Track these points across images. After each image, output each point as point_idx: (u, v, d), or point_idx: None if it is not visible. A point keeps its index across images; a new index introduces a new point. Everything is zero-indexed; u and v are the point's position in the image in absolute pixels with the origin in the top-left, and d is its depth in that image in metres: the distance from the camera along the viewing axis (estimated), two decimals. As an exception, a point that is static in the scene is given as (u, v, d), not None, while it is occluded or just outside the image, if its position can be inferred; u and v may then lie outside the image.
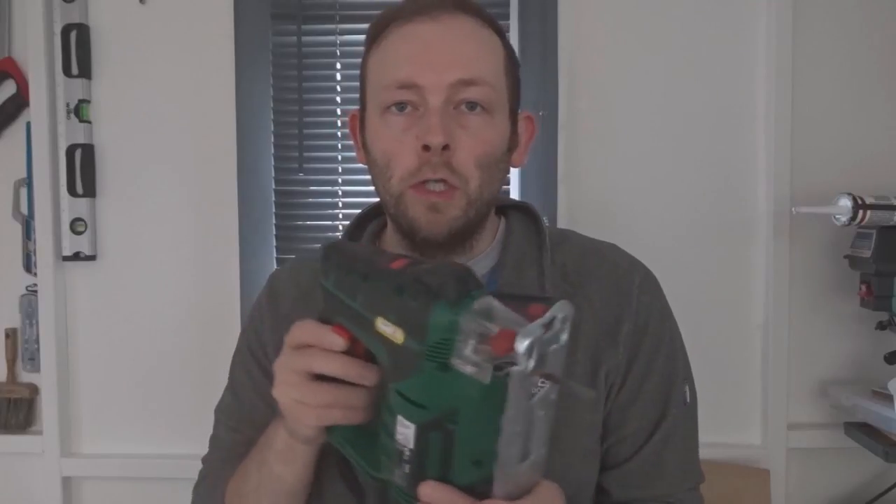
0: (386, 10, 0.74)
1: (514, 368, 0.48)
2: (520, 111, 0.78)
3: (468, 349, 0.50)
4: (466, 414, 0.52)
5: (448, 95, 0.69)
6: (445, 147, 0.68)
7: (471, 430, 0.52)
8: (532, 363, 0.48)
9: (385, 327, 0.53)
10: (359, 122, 0.79)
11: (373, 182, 0.76)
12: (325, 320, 0.61)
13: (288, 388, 0.61)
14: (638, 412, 0.76)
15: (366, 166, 0.77)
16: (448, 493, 0.53)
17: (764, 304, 1.43)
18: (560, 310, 0.51)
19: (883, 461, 1.25)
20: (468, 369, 0.50)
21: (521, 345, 0.47)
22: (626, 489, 0.77)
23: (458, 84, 0.69)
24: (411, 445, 0.54)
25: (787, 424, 1.42)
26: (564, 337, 0.52)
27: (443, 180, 0.70)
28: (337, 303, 0.59)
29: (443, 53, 0.70)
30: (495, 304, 0.51)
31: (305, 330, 0.61)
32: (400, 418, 0.55)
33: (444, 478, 0.54)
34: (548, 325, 0.50)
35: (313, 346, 0.60)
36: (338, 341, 0.59)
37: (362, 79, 0.77)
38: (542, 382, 0.52)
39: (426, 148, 0.68)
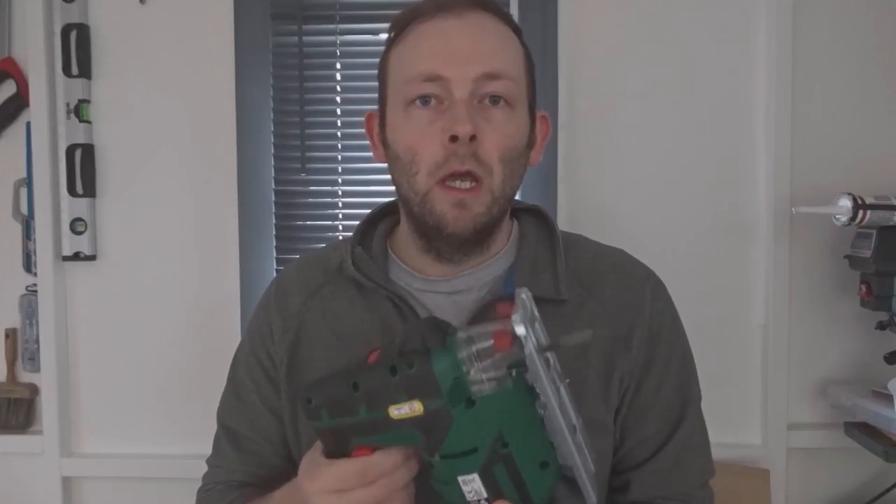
0: (406, 8, 0.75)
1: (527, 349, 0.51)
2: (537, 111, 0.79)
3: (478, 373, 0.52)
4: (510, 427, 0.54)
5: (473, 88, 0.70)
6: (472, 138, 0.69)
7: (521, 438, 0.54)
8: (534, 338, 0.52)
9: (400, 411, 0.54)
10: (377, 121, 0.79)
11: (394, 180, 0.76)
12: (335, 454, 0.59)
13: None
14: (656, 415, 0.77)
15: (383, 164, 0.78)
16: None
17: (764, 304, 1.43)
18: (523, 293, 0.55)
19: (883, 461, 1.25)
20: (488, 388, 0.52)
21: (520, 327, 0.51)
22: (645, 489, 0.78)
23: (483, 77, 0.70)
24: (485, 493, 0.55)
25: (787, 424, 1.42)
26: (536, 313, 0.56)
27: (469, 172, 0.70)
28: (340, 432, 0.58)
29: (467, 47, 0.71)
30: (472, 328, 0.54)
31: (340, 475, 0.58)
32: (460, 480, 0.55)
33: (526, 499, 0.55)
34: (524, 307, 0.54)
35: (353, 487, 0.57)
36: (385, 462, 0.57)
37: (382, 76, 0.78)
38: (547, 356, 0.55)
39: (453, 139, 0.69)
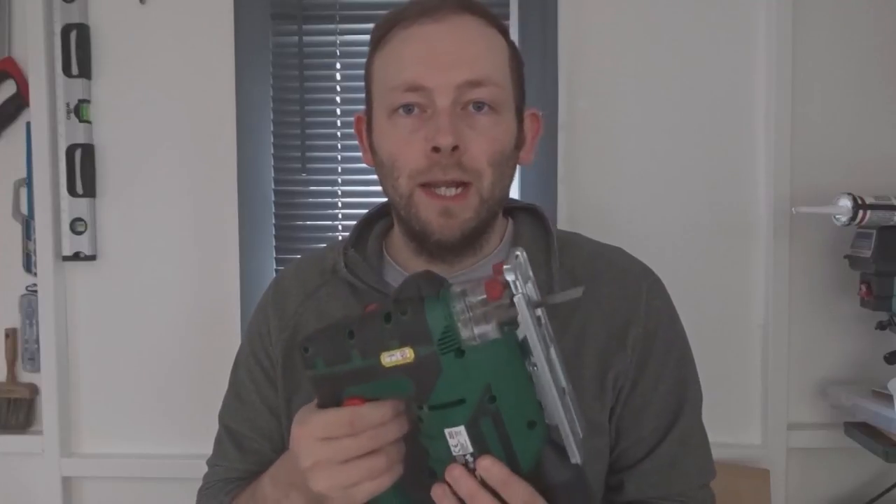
0: (389, 12, 0.74)
1: (517, 298, 0.52)
2: (525, 109, 0.78)
3: (470, 324, 0.53)
4: (499, 382, 0.54)
5: (456, 96, 0.70)
6: (455, 148, 0.69)
7: (509, 394, 0.55)
8: (525, 291, 0.53)
9: (392, 357, 0.54)
10: (365, 125, 0.79)
11: (381, 184, 0.77)
12: (328, 405, 0.59)
13: (329, 476, 0.58)
14: (652, 414, 0.77)
15: (373, 168, 0.78)
16: (502, 470, 0.55)
17: (764, 304, 1.43)
18: (518, 251, 0.56)
19: (883, 461, 1.25)
20: (478, 339, 0.53)
21: (510, 274, 0.52)
22: (642, 488, 0.77)
23: (466, 85, 0.70)
24: (470, 447, 0.56)
25: (787, 424, 1.42)
26: (530, 273, 0.56)
27: (455, 181, 0.70)
28: (333, 380, 0.58)
29: (449, 54, 0.70)
30: (466, 281, 0.55)
31: (329, 422, 0.58)
32: (447, 433, 0.56)
33: (512, 459, 0.56)
34: (516, 260, 0.55)
35: (341, 435, 0.57)
36: (373, 414, 0.57)
37: (367, 82, 0.77)
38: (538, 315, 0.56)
39: (436, 149, 0.68)
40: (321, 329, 0.59)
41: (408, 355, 0.54)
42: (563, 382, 0.57)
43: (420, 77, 0.69)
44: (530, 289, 0.55)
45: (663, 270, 0.83)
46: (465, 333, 0.53)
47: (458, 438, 0.56)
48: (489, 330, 0.53)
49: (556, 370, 0.56)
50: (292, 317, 0.82)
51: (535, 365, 0.54)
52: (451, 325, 0.53)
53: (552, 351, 0.56)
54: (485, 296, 0.53)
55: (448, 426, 0.56)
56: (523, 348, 0.55)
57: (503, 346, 0.54)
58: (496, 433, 0.55)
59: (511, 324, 0.53)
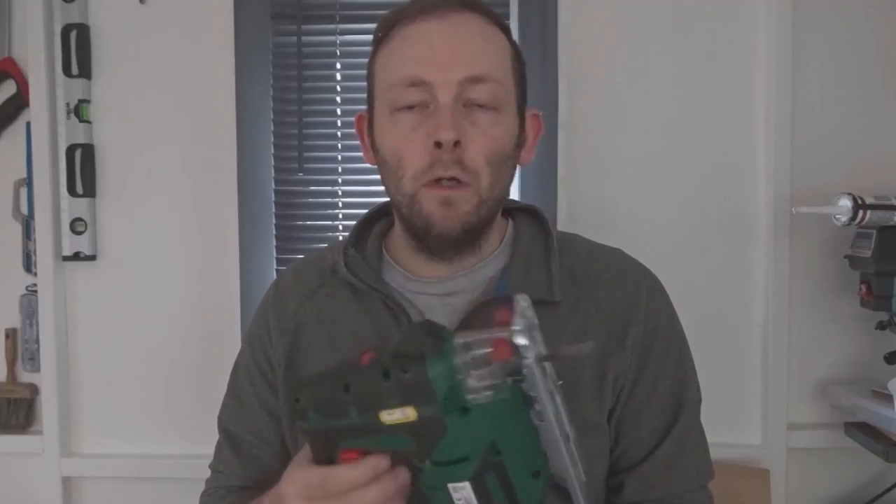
0: (391, 11, 0.75)
1: (527, 360, 0.50)
2: (527, 109, 0.78)
3: (475, 381, 0.51)
4: (504, 436, 0.53)
5: (457, 93, 0.70)
6: (456, 143, 0.69)
7: (514, 447, 0.53)
8: (535, 348, 0.51)
9: (392, 416, 0.52)
10: (366, 123, 0.79)
11: (383, 182, 0.77)
12: (321, 457, 0.58)
13: None
14: (651, 415, 0.77)
15: (375, 167, 0.78)
16: None
17: (764, 304, 1.43)
18: (522, 300, 0.53)
19: (883, 461, 1.25)
20: (484, 396, 0.51)
21: (521, 338, 0.50)
22: (641, 490, 0.77)
23: (467, 81, 0.70)
24: (475, 501, 0.55)
25: (787, 424, 1.42)
26: (536, 321, 0.53)
27: (454, 178, 0.70)
28: (327, 435, 0.56)
29: (450, 51, 0.70)
30: (469, 334, 0.52)
31: (307, 482, 0.57)
32: (450, 487, 0.54)
33: None
34: (524, 315, 0.52)
35: (317, 497, 0.57)
36: (347, 476, 0.55)
37: (369, 79, 0.78)
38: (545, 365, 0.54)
39: (438, 145, 0.68)
40: (313, 377, 0.57)
41: (409, 414, 0.52)
42: (567, 428, 0.56)
43: (422, 73, 0.70)
44: (537, 338, 0.52)
45: (663, 271, 0.83)
46: (469, 392, 0.51)
47: (462, 493, 0.54)
48: (495, 387, 0.51)
49: (561, 419, 0.55)
50: (292, 318, 0.82)
51: (540, 416, 0.53)
52: (455, 385, 0.51)
53: (557, 399, 0.55)
54: (490, 352, 0.50)
55: (451, 481, 0.54)
56: (527, 398, 0.53)
57: (508, 400, 0.52)
58: (500, 485, 0.54)
59: (517, 375, 0.51)
